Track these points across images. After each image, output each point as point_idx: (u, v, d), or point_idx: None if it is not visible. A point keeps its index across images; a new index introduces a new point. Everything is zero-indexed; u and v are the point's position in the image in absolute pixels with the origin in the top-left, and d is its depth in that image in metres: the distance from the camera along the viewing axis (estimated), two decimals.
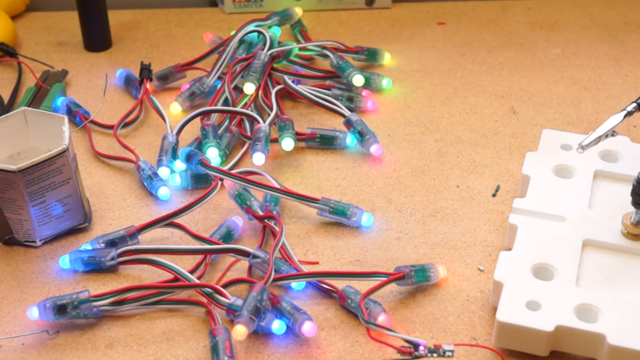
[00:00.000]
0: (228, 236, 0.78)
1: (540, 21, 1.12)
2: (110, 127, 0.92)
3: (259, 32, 1.00)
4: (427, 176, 0.87)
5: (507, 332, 0.66)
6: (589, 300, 0.67)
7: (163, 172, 0.85)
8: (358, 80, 0.95)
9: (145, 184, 0.84)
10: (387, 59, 1.03)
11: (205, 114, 0.90)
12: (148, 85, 0.96)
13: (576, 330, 0.65)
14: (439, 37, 1.09)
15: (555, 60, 1.04)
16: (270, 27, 1.02)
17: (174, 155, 0.86)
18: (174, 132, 0.88)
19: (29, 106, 0.94)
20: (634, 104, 0.77)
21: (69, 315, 0.70)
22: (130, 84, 0.99)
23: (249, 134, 0.90)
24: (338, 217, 0.80)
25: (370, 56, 1.02)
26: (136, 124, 0.94)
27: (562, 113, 0.95)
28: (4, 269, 0.77)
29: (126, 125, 0.93)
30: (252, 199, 0.80)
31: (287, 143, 0.87)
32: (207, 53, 1.00)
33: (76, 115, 0.93)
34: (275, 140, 0.88)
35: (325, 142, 0.90)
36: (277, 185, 0.82)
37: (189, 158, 0.83)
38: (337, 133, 0.90)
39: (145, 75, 0.96)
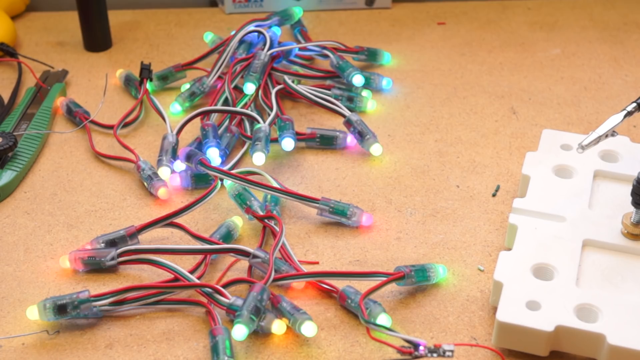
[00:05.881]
0: (228, 236, 0.78)
1: (540, 21, 1.12)
2: (110, 127, 0.92)
3: (259, 32, 1.00)
4: (427, 176, 0.87)
5: (507, 332, 0.66)
6: (589, 300, 0.67)
7: (163, 172, 0.85)
8: (358, 80, 0.95)
9: (145, 184, 0.84)
10: (387, 59, 1.03)
11: (205, 114, 0.90)
12: (148, 86, 0.96)
13: (576, 330, 0.65)
14: (439, 37, 1.09)
15: (555, 60, 1.04)
16: (270, 27, 1.02)
17: (174, 155, 0.86)
18: (174, 132, 0.88)
19: (29, 106, 0.95)
20: (634, 104, 0.77)
21: (69, 315, 0.70)
22: (130, 84, 0.99)
23: (249, 134, 0.90)
24: (338, 217, 0.80)
25: (370, 56, 1.02)
26: (136, 124, 0.94)
27: (562, 113, 0.95)
28: (4, 269, 0.77)
29: (126, 125, 0.93)
30: (252, 199, 0.80)
31: (287, 143, 0.87)
32: (207, 53, 1.00)
33: (76, 115, 0.93)
34: (275, 140, 0.88)
35: (325, 142, 0.90)
36: (277, 185, 0.82)
37: (189, 158, 0.83)
38: (337, 133, 0.90)
39: (145, 75, 0.96)
